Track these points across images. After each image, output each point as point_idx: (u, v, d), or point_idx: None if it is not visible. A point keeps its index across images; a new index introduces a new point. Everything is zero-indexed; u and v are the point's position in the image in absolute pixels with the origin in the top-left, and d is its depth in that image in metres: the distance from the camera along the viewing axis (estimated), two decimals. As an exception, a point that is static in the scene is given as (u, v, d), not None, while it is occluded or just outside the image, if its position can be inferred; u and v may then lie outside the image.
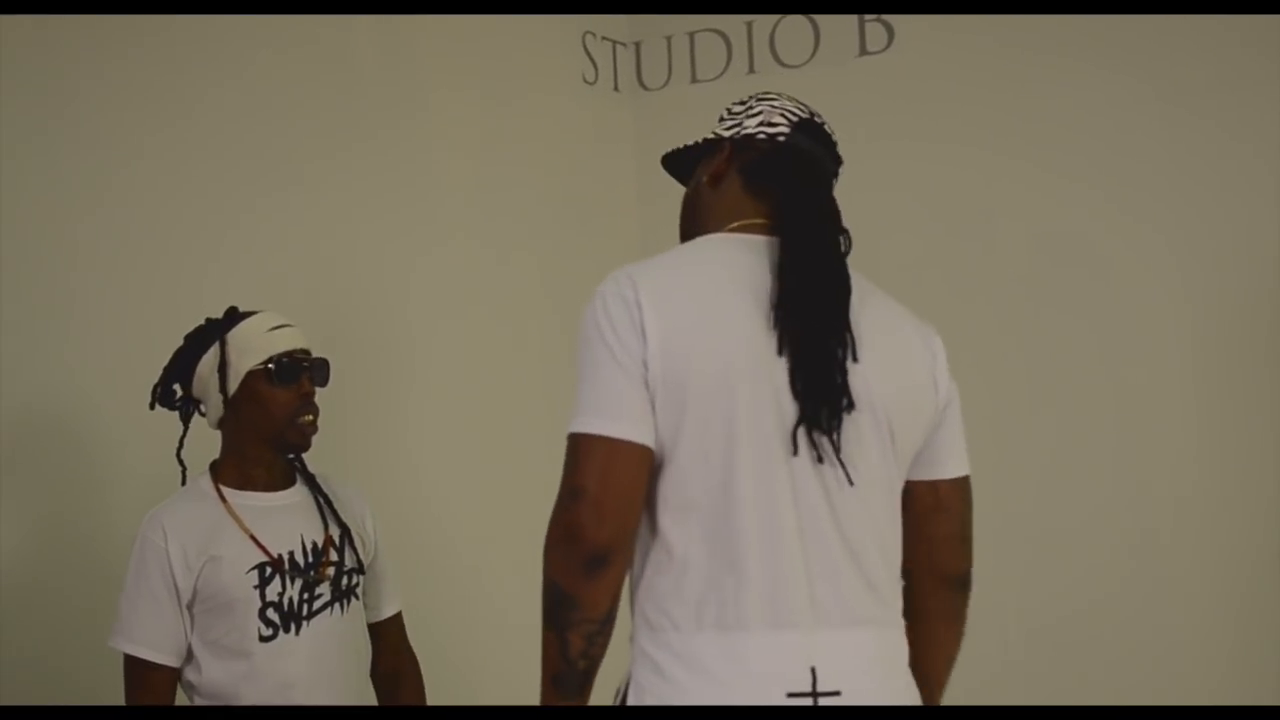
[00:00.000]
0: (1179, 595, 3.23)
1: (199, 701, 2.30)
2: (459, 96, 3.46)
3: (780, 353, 1.68)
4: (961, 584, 1.87)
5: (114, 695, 2.29)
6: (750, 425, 1.66)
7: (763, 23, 3.75)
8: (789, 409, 1.67)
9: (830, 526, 1.69)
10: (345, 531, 2.38)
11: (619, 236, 3.84)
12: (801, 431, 1.67)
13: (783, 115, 1.88)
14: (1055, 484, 3.38)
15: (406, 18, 3.27)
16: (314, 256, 3.07)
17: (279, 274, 2.93)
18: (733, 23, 3.79)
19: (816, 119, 1.90)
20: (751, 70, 3.67)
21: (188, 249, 2.83)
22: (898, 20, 3.55)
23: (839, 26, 3.63)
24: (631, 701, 1.68)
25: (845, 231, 1.83)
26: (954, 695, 1.91)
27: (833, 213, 1.83)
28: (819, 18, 3.63)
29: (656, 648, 1.67)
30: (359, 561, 2.40)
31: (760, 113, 1.88)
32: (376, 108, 3.24)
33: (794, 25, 3.70)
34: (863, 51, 3.59)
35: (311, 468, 2.43)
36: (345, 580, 2.36)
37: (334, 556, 2.35)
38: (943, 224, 3.51)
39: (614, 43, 3.96)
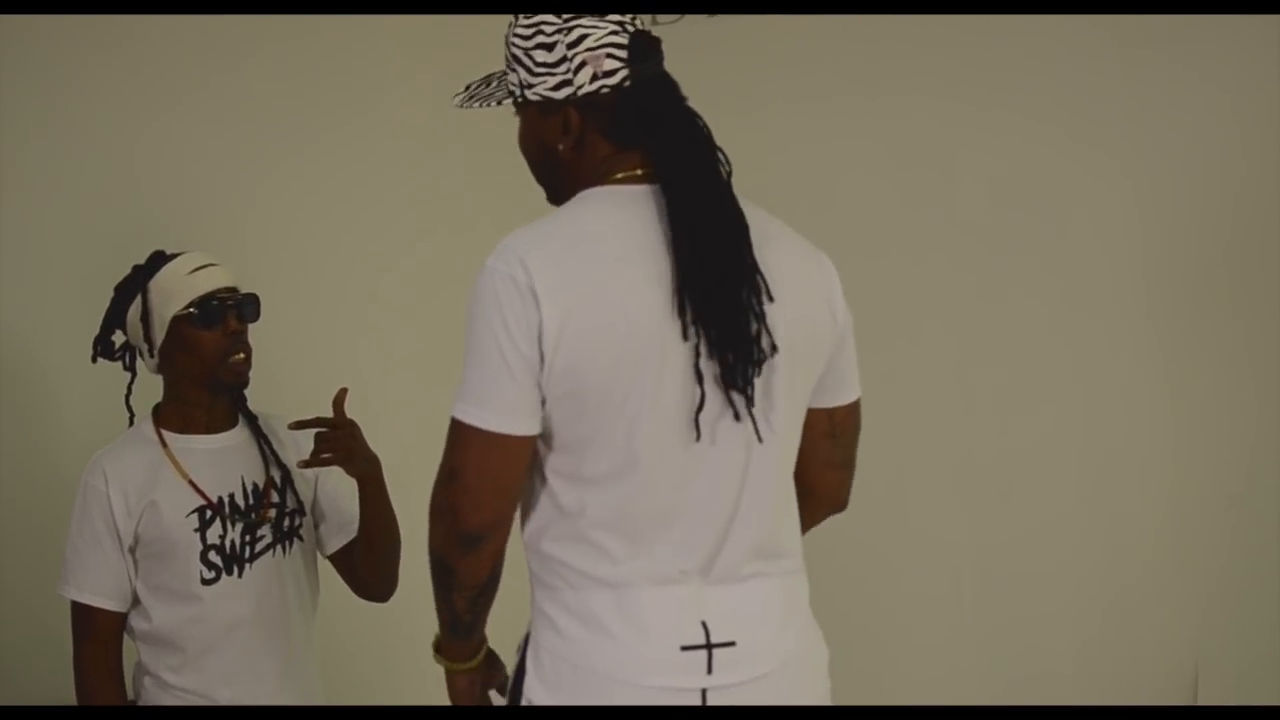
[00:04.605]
0: (1138, 541, 3.25)
1: (142, 647, 2.30)
2: (417, 79, 3.35)
3: (688, 319, 1.63)
4: (839, 509, 1.90)
5: (64, 642, 2.29)
6: (655, 404, 1.63)
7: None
8: (695, 385, 1.64)
9: (732, 495, 1.69)
10: (286, 473, 2.38)
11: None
12: (712, 397, 1.64)
13: (610, 53, 1.70)
14: (1015, 428, 3.39)
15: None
16: (278, 221, 3.06)
17: (242, 229, 2.92)
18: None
19: (631, 25, 1.73)
20: (711, 15, 3.62)
21: (148, 202, 2.83)
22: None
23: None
24: (530, 657, 1.72)
25: (719, 160, 1.72)
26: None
27: (702, 148, 1.72)
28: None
29: (553, 605, 1.70)
30: (300, 503, 2.39)
31: (582, 60, 1.70)
32: (343, 84, 3.21)
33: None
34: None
35: (255, 407, 2.41)
36: (287, 522, 2.36)
37: (275, 498, 2.35)
38: (902, 167, 3.49)
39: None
